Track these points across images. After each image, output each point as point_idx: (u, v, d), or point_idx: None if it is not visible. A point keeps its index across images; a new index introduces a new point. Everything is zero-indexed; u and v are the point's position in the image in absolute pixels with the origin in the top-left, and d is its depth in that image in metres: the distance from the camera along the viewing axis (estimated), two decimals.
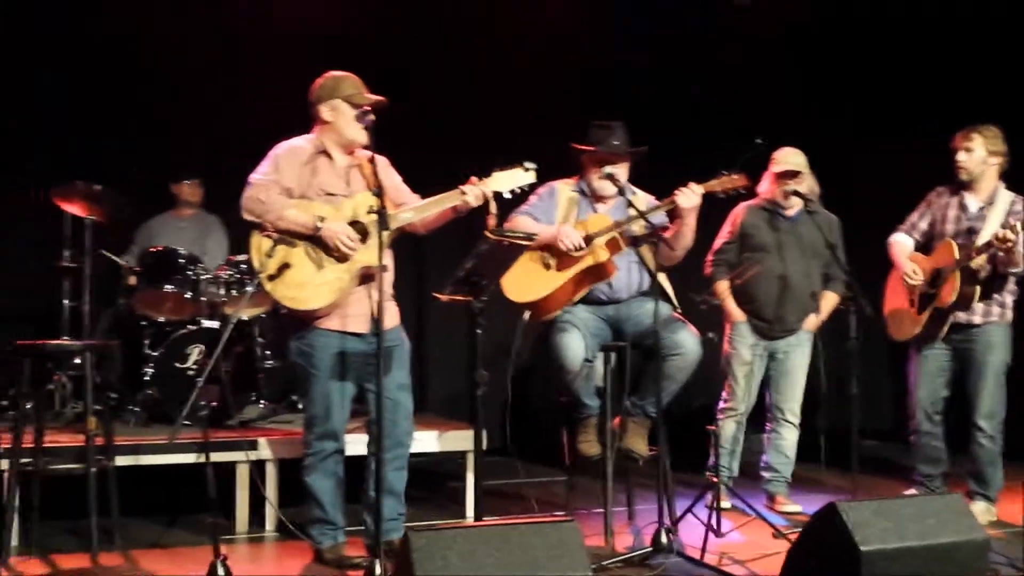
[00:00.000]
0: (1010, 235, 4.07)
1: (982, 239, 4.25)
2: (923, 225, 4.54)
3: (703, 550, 3.62)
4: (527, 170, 3.57)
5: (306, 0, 5.89)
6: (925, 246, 4.54)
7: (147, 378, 4.84)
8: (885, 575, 2.89)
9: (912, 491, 4.50)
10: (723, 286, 4.62)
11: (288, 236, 3.48)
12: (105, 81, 5.58)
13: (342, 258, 3.48)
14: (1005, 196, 4.34)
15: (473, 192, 3.50)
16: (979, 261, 4.23)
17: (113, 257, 5.23)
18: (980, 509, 4.31)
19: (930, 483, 4.47)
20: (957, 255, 4.28)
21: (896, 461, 6.04)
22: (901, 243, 4.57)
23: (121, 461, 4.01)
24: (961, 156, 4.35)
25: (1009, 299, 4.37)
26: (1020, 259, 4.18)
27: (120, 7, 5.61)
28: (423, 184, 3.79)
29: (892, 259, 4.58)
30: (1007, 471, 4.49)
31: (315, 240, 3.48)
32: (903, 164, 5.82)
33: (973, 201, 4.38)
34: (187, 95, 5.72)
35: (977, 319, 4.33)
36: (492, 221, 3.45)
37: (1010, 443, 4.53)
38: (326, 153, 3.62)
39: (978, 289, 4.25)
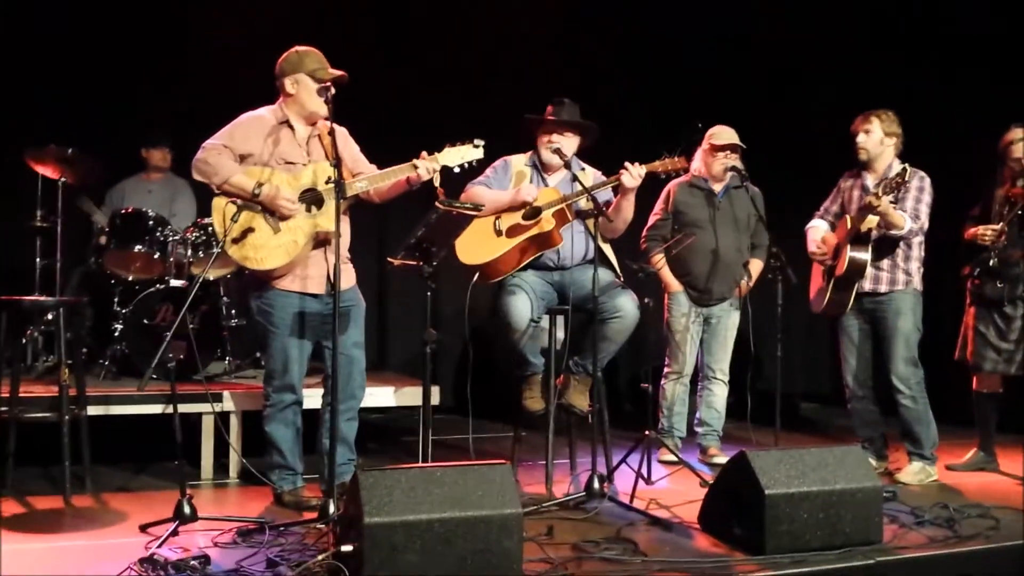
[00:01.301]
0: (873, 200, 4.35)
1: None
2: (834, 208, 4.84)
3: (632, 496, 3.92)
4: (476, 146, 3.82)
5: None
6: None
7: (116, 334, 5.05)
8: (787, 515, 3.22)
9: None
10: (658, 259, 4.91)
11: (244, 201, 3.70)
12: (82, 47, 5.71)
13: (283, 217, 3.70)
14: (896, 169, 4.54)
15: (425, 165, 3.75)
16: (867, 224, 4.47)
17: (89, 210, 5.41)
18: (916, 468, 4.56)
19: (871, 446, 4.69)
20: (849, 227, 4.58)
21: (830, 423, 6.42)
22: (814, 227, 4.86)
23: (92, 411, 4.23)
24: (860, 138, 4.63)
25: (915, 266, 4.61)
26: (900, 220, 4.43)
27: None
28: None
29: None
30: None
31: (263, 205, 3.70)
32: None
33: (870, 179, 4.66)
34: (162, 64, 5.88)
35: (883, 287, 4.59)
36: (440, 193, 3.70)
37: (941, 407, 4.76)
38: (288, 124, 3.84)
39: (869, 255, 4.51)
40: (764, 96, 6.79)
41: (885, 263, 4.59)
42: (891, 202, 4.42)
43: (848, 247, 4.55)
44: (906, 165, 4.34)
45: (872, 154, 4.64)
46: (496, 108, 5.34)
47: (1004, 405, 4.88)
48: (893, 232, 4.49)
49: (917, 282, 4.64)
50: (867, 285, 4.60)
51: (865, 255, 4.53)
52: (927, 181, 4.55)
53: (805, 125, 6.68)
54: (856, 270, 4.55)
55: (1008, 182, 4.68)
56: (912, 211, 4.51)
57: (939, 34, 6.39)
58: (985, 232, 4.63)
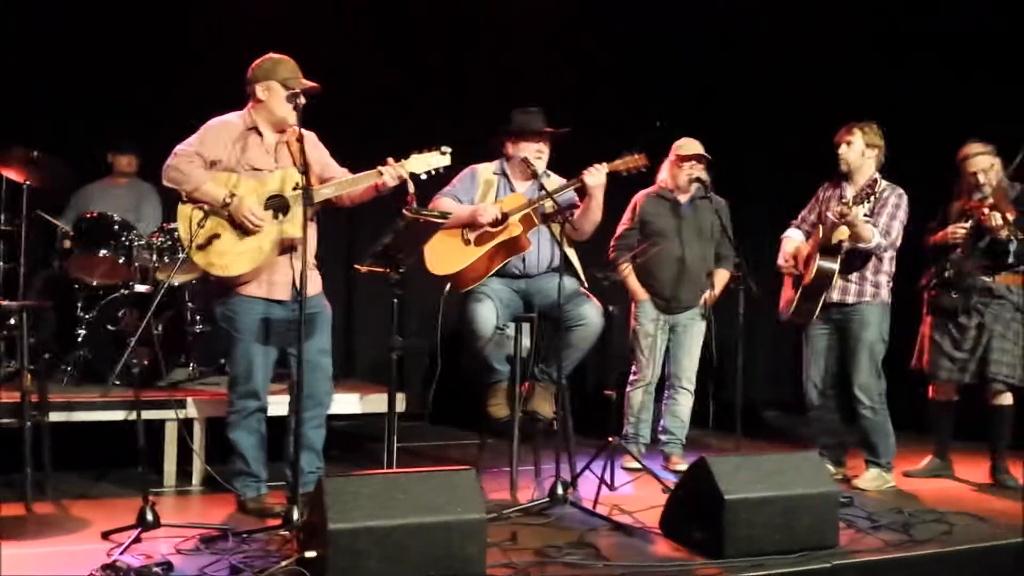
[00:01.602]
0: (844, 209, 4.40)
1: None
2: (812, 217, 4.86)
3: (595, 501, 3.96)
4: (443, 154, 3.82)
5: None
6: None
7: (79, 339, 5.01)
8: (746, 520, 3.27)
9: None
10: (626, 269, 4.96)
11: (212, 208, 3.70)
12: (48, 48, 5.65)
13: (248, 232, 3.69)
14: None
15: (390, 172, 3.75)
16: (838, 236, 4.52)
17: (50, 219, 5.36)
18: (873, 475, 4.64)
19: (830, 453, 4.75)
20: (821, 236, 4.63)
21: (793, 430, 6.51)
22: (788, 237, 4.90)
23: (55, 417, 4.18)
24: (842, 149, 4.67)
25: (883, 279, 4.65)
26: (868, 233, 4.46)
27: None
28: None
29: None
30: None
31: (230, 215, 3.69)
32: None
33: (849, 191, 4.67)
34: (129, 65, 5.83)
35: (850, 298, 4.63)
36: (411, 200, 3.72)
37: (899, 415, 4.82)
38: (256, 130, 3.84)
39: (837, 265, 4.56)
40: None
41: (854, 275, 4.62)
42: (865, 214, 4.46)
43: (817, 257, 4.60)
44: (879, 176, 4.40)
45: (853, 166, 4.66)
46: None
47: (959, 413, 4.98)
48: (861, 246, 4.52)
49: (885, 295, 4.67)
50: (835, 295, 4.63)
51: (833, 265, 4.56)
52: (904, 199, 4.59)
53: (804, 126, 6.74)
54: (824, 279, 4.58)
55: (965, 195, 4.78)
56: (884, 227, 4.54)
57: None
58: (956, 231, 4.69)
